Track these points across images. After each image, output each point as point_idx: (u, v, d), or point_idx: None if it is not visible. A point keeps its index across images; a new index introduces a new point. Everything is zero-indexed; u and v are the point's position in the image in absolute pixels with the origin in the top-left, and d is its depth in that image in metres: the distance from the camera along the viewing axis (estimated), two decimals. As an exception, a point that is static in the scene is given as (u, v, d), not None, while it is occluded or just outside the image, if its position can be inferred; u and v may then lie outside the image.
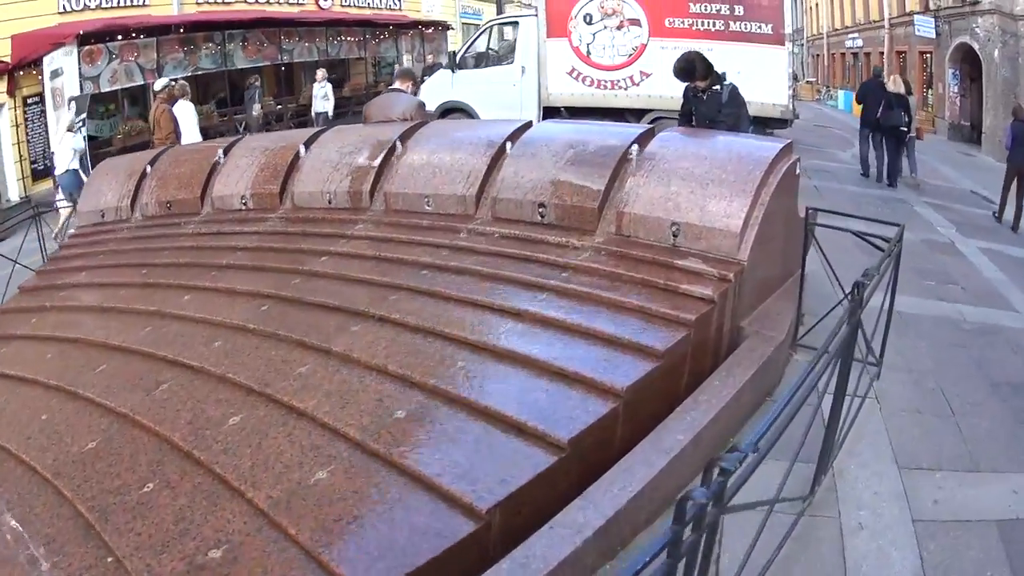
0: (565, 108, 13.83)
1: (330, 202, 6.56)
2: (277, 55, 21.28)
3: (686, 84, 6.62)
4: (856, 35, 38.64)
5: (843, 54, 42.38)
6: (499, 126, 6.85)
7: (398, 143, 6.53)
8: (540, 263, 4.98)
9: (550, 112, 13.76)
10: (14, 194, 15.36)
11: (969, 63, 24.43)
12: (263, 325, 4.77)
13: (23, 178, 15.57)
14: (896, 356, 5.64)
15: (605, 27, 12.84)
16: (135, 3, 17.57)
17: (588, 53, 12.97)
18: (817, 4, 49.37)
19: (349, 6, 25.49)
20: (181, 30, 17.69)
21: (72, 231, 8.57)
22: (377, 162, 6.45)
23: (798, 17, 57.50)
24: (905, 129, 13.12)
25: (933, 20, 26.17)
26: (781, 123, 12.66)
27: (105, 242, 7.53)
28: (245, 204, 7.10)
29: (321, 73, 17.94)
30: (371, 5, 26.74)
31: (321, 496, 3.01)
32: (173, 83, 12.20)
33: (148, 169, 7.93)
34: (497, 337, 4.13)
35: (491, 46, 15.95)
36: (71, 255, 7.66)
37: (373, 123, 7.45)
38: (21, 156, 15.63)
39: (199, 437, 3.59)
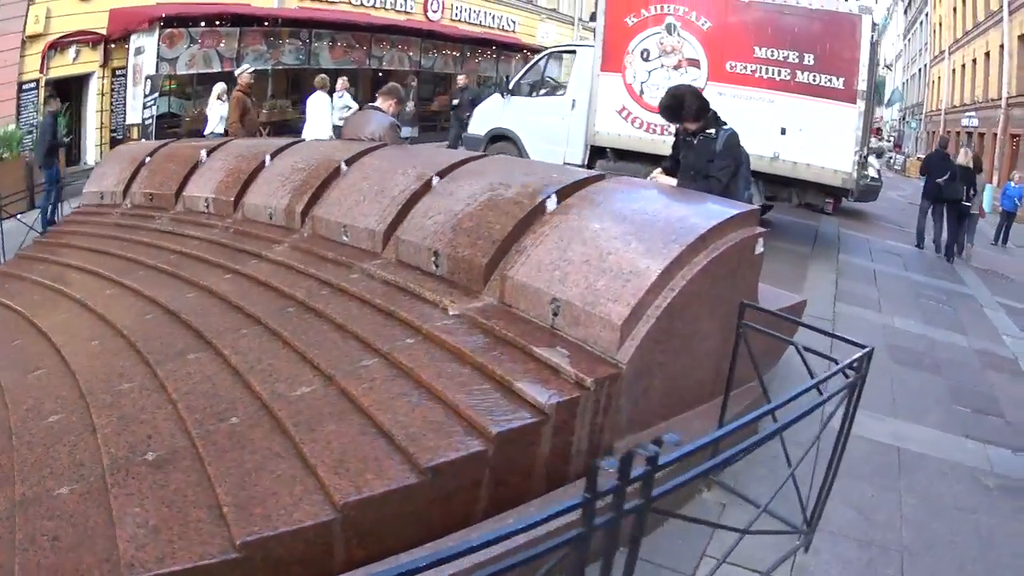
0: (611, 150, 13.17)
1: (270, 217, 6.55)
2: (365, 60, 22.15)
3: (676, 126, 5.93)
4: (973, 113, 37.79)
5: (957, 132, 41.08)
6: (442, 156, 6.64)
7: (343, 165, 6.43)
8: (400, 322, 4.49)
9: (596, 152, 13.18)
10: (91, 158, 16.55)
11: None
12: (134, 334, 4.93)
13: (101, 144, 16.85)
14: (856, 516, 4.63)
15: (662, 65, 12.15)
16: (241, -5, 17.28)
17: (641, 92, 12.32)
18: (940, 78, 49.48)
19: (460, 21, 26.26)
20: (266, 23, 18.80)
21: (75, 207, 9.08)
22: (317, 183, 6.37)
23: (919, 91, 60.57)
24: (968, 204, 13.59)
25: None
26: (843, 194, 11.63)
27: (93, 224, 8.02)
28: (207, 208, 7.24)
29: (341, 82, 16.80)
30: (483, 23, 27.32)
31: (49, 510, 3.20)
32: (250, 70, 13.16)
33: (147, 159, 8.33)
34: (286, 398, 3.87)
35: (549, 75, 15.53)
36: (65, 231, 8.37)
37: (343, 140, 7.43)
38: (103, 124, 17.08)
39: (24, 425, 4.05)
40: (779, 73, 11.38)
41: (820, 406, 3.31)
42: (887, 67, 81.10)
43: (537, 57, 15.69)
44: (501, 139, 14.67)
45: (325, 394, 3.81)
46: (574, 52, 14.54)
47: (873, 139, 57.17)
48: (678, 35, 11.82)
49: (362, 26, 21.22)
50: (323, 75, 14.51)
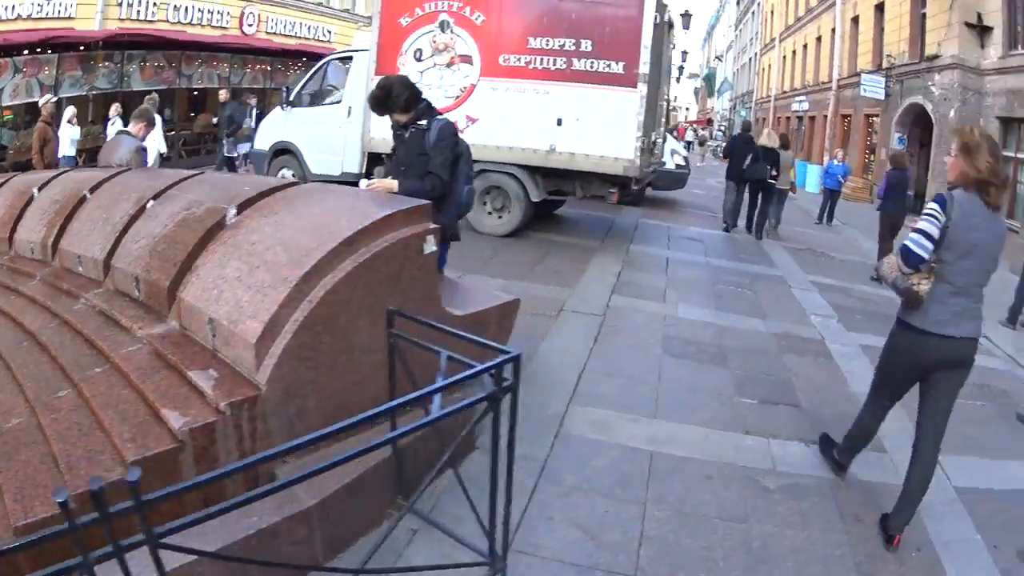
0: (386, 155, 12.94)
1: (32, 252, 6.59)
2: (175, 79, 23.29)
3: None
4: (803, 98, 40.60)
5: (788, 117, 44.79)
6: (167, 177, 6.54)
7: (87, 193, 6.46)
8: (97, 351, 4.52)
9: (374, 159, 13.07)
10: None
11: (920, 126, 24.80)
12: None
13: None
14: (580, 536, 4.36)
15: (435, 64, 12.34)
16: (63, 15, 19.18)
17: None
18: (770, 65, 53.12)
19: (275, 34, 27.36)
20: (82, 47, 19.46)
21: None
22: (64, 215, 6.39)
23: (750, 79, 64.85)
24: (772, 182, 14.88)
25: (883, 80, 26.81)
26: (627, 183, 11.90)
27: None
28: (-10, 244, 7.01)
29: (114, 108, 16.92)
30: (299, 35, 28.58)
31: None
32: (53, 99, 13.74)
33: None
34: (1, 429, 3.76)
35: (331, 83, 15.46)
36: None
37: (99, 168, 7.46)
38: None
39: None
40: (554, 62, 11.64)
41: (435, 421, 3.13)
42: (718, 58, 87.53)
43: (317, 65, 15.76)
44: (283, 153, 15.00)
45: (28, 425, 3.81)
46: (351, 58, 14.71)
47: (700, 128, 59.67)
48: (451, 32, 12.19)
49: (175, 44, 22.37)
50: (153, 95, 15.72)
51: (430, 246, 4.48)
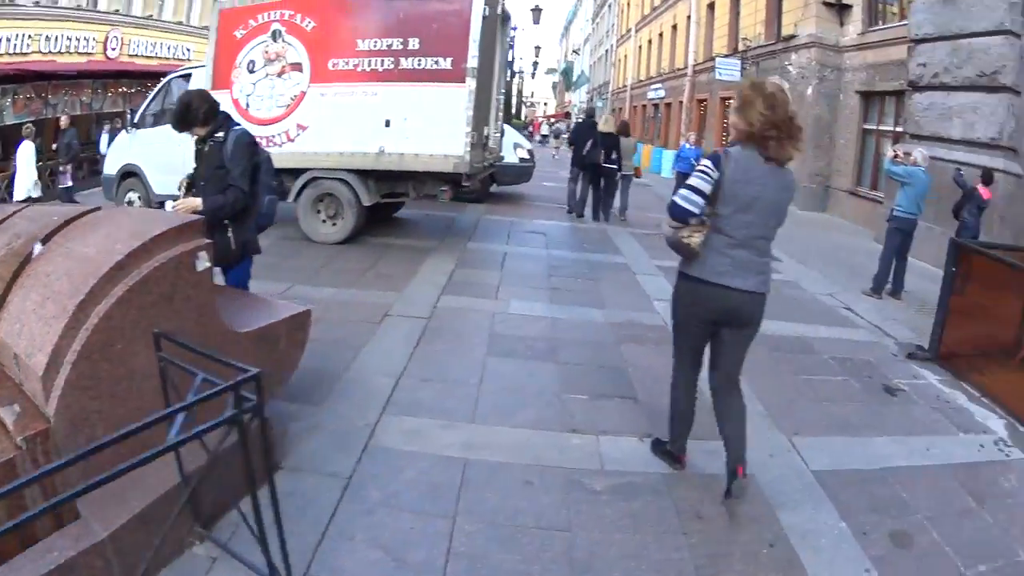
0: None
1: None
2: (43, 109, 23.79)
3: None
4: (659, 85, 41.63)
5: (644, 106, 46.22)
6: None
7: None
8: None
9: None
10: None
11: None
12: None
13: None
14: (382, 557, 4.00)
15: (267, 75, 12.10)
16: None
17: (247, 106, 12.19)
18: (626, 56, 54.66)
19: (137, 56, 28.25)
20: None
21: None
22: None
23: (606, 70, 67.25)
24: (615, 167, 15.75)
25: (739, 62, 27.33)
26: (458, 180, 11.79)
27: None
28: None
29: None
30: (160, 55, 29.39)
31: None
32: None
33: None
34: None
35: (171, 102, 14.61)
36: None
37: None
38: None
39: None
40: (382, 63, 11.46)
41: (171, 448, 3.04)
42: (575, 52, 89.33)
43: (160, 85, 15.25)
44: (129, 176, 14.78)
45: None
46: (189, 76, 14.40)
47: (557, 121, 60.73)
48: (283, 41, 11.91)
49: (43, 75, 23.43)
50: (30, 124, 16.07)
51: (203, 263, 4.38)
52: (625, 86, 52.85)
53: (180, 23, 31.42)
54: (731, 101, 28.48)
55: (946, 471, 5.45)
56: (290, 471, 4.57)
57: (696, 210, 4.24)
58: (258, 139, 11.78)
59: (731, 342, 4.61)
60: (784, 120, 4.18)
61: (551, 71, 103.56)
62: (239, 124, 5.72)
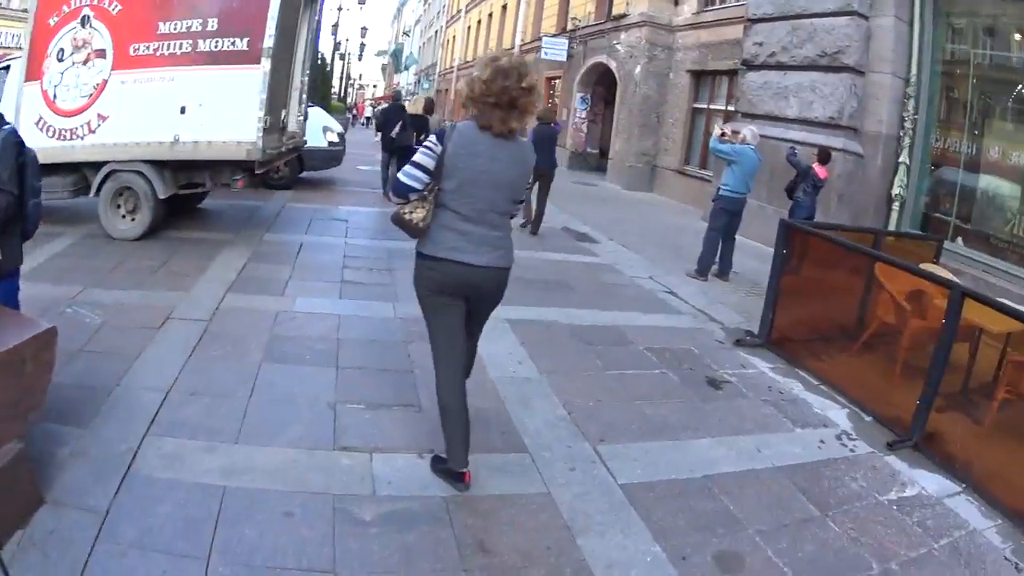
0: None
1: None
2: None
3: None
4: None
5: None
6: None
7: None
8: None
9: None
10: None
11: (605, 85, 25.89)
12: None
13: None
14: None
15: (73, 63, 11.40)
16: None
17: (55, 97, 11.53)
18: (455, 37, 55.11)
19: None
20: None
21: None
22: None
23: (435, 52, 67.55)
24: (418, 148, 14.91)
25: (566, 42, 27.49)
26: (250, 167, 11.29)
27: None
28: None
29: None
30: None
31: None
32: None
33: None
34: None
35: None
36: None
37: None
38: None
39: None
40: (180, 46, 10.89)
41: None
42: (406, 34, 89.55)
43: None
44: None
45: None
46: (8, 68, 13.19)
47: (385, 104, 60.54)
48: (90, 27, 11.21)
49: None
50: None
51: None
52: (452, 67, 53.31)
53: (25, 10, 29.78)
54: (557, 81, 29.97)
55: (781, 474, 5.03)
56: (53, 505, 4.06)
57: (418, 185, 4.28)
58: (61, 131, 11.59)
59: (470, 314, 4.61)
60: (504, 90, 4.14)
61: (382, 53, 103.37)
62: (9, 123, 5.08)
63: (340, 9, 38.71)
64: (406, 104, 17.71)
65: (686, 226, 15.78)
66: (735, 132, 11.65)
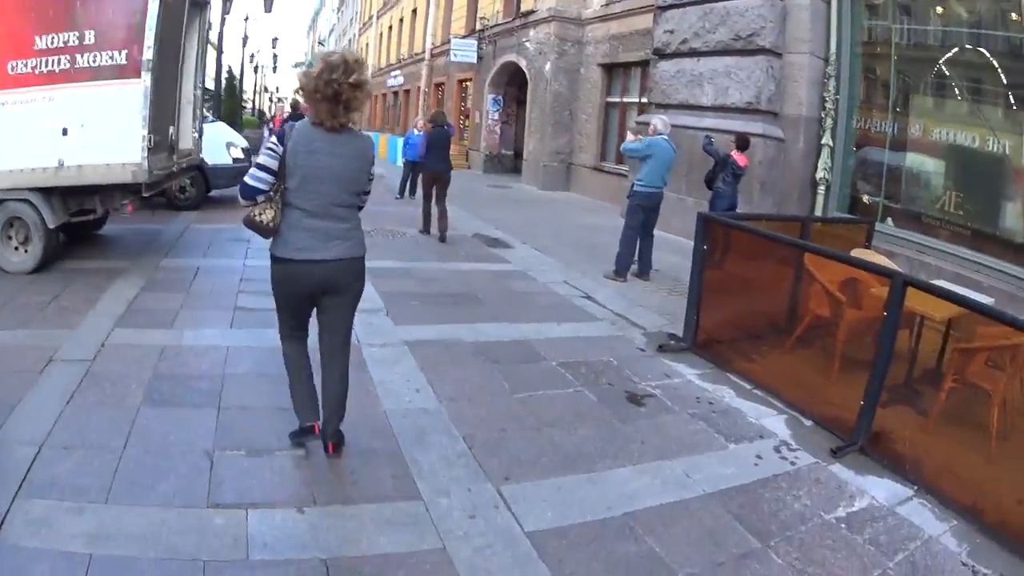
0: None
1: None
2: None
3: None
4: (398, 72, 41.62)
5: (384, 94, 46.21)
6: None
7: None
8: None
9: None
10: None
11: (516, 85, 25.61)
12: None
13: None
14: None
15: None
16: None
17: None
18: (368, 44, 54.13)
19: None
20: None
21: None
22: None
23: None
24: None
25: (475, 43, 27.18)
26: (137, 190, 10.44)
27: None
28: None
29: None
30: None
31: None
32: None
33: None
34: None
35: None
36: None
37: None
38: None
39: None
40: (59, 63, 10.00)
41: None
42: (321, 43, 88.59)
43: None
44: None
45: None
46: None
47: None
48: None
49: None
50: None
51: None
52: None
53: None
54: (468, 84, 29.63)
55: (715, 502, 4.53)
56: None
57: (263, 186, 4.38)
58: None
59: (333, 307, 4.72)
60: (330, 83, 4.24)
61: (299, 64, 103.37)
62: None
63: (247, 19, 37.79)
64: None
65: (603, 225, 15.42)
66: (644, 124, 11.41)
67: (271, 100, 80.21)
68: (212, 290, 9.51)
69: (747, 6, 13.33)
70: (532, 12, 22.84)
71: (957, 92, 11.24)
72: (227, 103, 28.35)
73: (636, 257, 10.64)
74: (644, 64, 18.09)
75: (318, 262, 4.47)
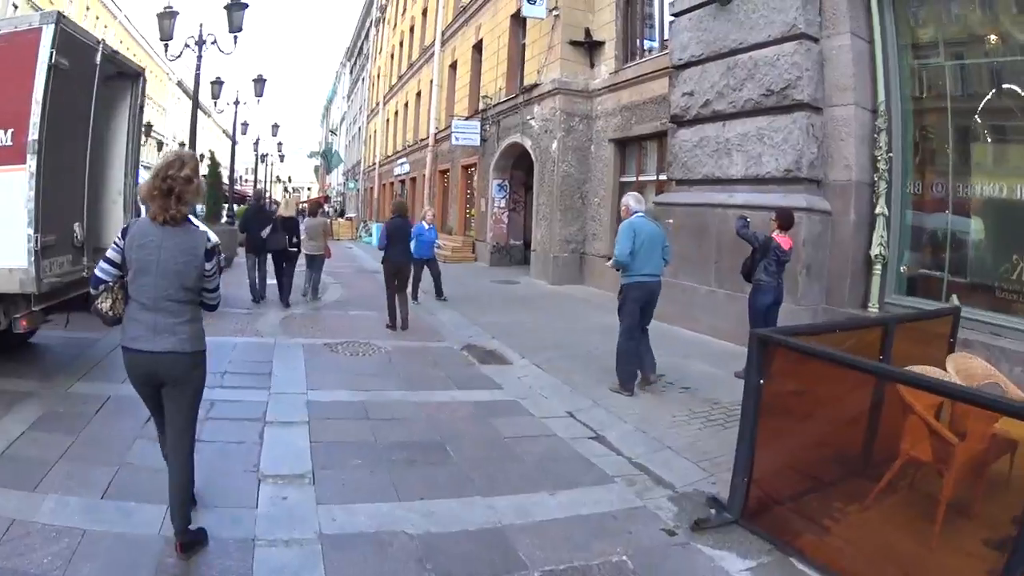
0: None
1: None
2: None
3: None
4: (404, 160, 40.54)
5: (392, 183, 45.12)
6: None
7: None
8: None
9: None
10: None
11: (523, 168, 23.95)
12: None
13: None
14: None
15: None
16: None
17: None
18: (376, 132, 54.08)
19: None
20: None
21: None
22: None
23: (359, 149, 67.49)
24: (294, 250, 16.32)
25: (478, 124, 25.53)
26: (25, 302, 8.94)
27: None
28: None
29: None
30: None
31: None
32: None
33: None
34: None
35: None
36: None
37: None
38: None
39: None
40: None
41: None
42: (332, 132, 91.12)
43: None
44: None
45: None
46: None
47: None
48: None
49: None
50: None
51: None
52: (375, 163, 52.53)
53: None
54: (473, 169, 28.57)
55: None
56: None
57: (106, 277, 4.64)
58: None
59: (169, 399, 4.80)
60: (166, 179, 4.48)
61: (314, 154, 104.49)
62: None
63: (237, 103, 36.69)
64: (280, 204, 18.20)
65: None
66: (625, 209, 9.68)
67: (285, 190, 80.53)
68: (108, 433, 7.59)
69: (777, 55, 11.50)
70: (536, 86, 21.23)
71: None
72: (209, 191, 26.77)
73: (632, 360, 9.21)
74: (661, 136, 16.34)
75: (146, 353, 4.64)
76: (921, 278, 10.77)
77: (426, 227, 17.00)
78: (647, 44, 18.74)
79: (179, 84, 62.73)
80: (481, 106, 26.08)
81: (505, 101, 24.05)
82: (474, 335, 12.47)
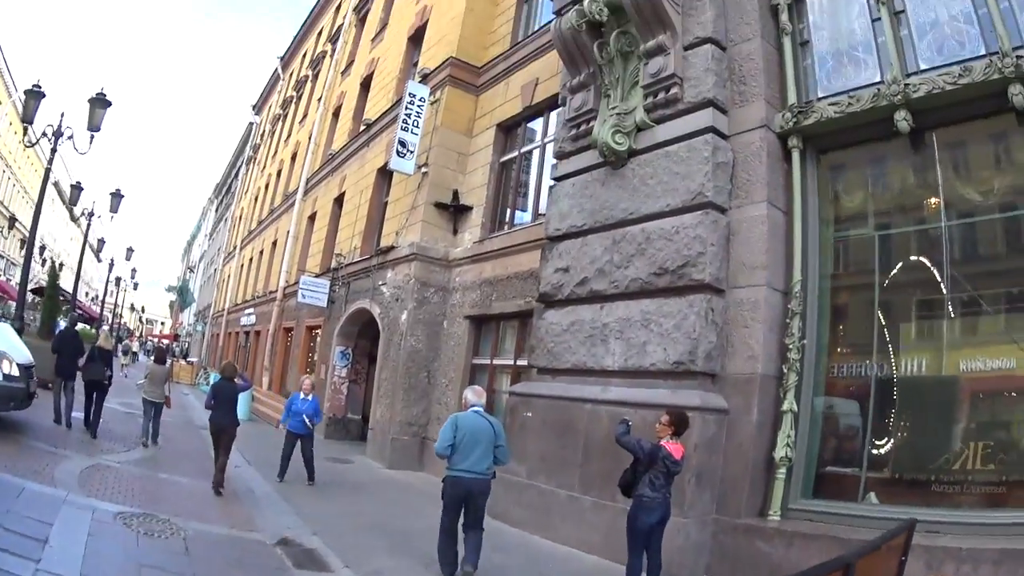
0: None
1: None
2: None
3: None
4: (251, 311, 38.29)
5: (237, 332, 42.68)
6: None
7: None
8: None
9: None
10: None
11: (369, 338, 22.03)
12: None
13: None
14: None
15: None
16: None
17: None
18: (229, 276, 51.90)
19: None
20: None
21: None
22: None
23: (211, 291, 64.62)
24: (107, 383, 16.43)
25: (327, 283, 23.72)
26: None
27: None
28: None
29: None
30: None
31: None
32: None
33: None
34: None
35: None
36: None
37: None
38: None
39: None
40: None
41: None
42: (190, 269, 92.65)
43: None
44: None
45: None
46: None
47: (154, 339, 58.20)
48: None
49: None
50: None
51: None
52: (223, 309, 49.50)
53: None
54: (318, 332, 26.02)
55: None
56: None
57: None
58: None
59: None
60: None
61: (171, 288, 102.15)
62: None
63: (92, 215, 34.36)
64: (101, 336, 18.69)
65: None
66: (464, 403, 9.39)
67: (140, 321, 78.47)
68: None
69: (676, 227, 10.34)
70: (392, 248, 19.70)
71: (970, 309, 8.99)
72: (46, 303, 25.59)
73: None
74: (524, 315, 15.08)
75: None
76: (831, 477, 9.60)
77: (301, 396, 14.94)
78: (519, 215, 17.51)
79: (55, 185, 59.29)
80: (334, 264, 24.33)
81: (359, 262, 22.37)
82: (291, 527, 10.45)
